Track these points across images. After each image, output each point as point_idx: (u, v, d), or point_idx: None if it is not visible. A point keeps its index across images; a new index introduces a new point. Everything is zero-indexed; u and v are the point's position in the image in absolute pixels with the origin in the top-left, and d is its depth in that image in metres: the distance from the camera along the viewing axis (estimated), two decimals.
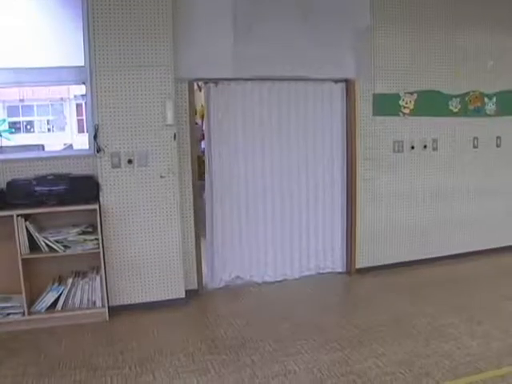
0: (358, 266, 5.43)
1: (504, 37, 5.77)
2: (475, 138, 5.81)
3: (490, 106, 5.87)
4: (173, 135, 4.45)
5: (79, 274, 4.40)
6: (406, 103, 5.45)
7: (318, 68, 4.98)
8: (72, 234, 4.22)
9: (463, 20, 5.55)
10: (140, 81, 4.32)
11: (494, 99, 5.87)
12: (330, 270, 5.45)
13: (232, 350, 3.75)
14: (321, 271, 5.42)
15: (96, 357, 3.67)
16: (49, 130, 21.59)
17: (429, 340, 3.84)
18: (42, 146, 8.25)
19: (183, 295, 4.64)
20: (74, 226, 4.29)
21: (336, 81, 5.20)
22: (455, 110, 5.68)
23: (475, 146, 5.83)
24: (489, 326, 4.06)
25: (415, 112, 5.49)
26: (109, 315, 4.33)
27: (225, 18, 4.65)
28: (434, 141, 5.60)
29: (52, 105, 21.37)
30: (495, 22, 5.70)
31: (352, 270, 5.41)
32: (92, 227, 4.32)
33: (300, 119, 5.15)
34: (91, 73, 4.26)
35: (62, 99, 20.78)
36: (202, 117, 6.77)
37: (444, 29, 5.48)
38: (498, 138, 5.94)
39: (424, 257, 5.68)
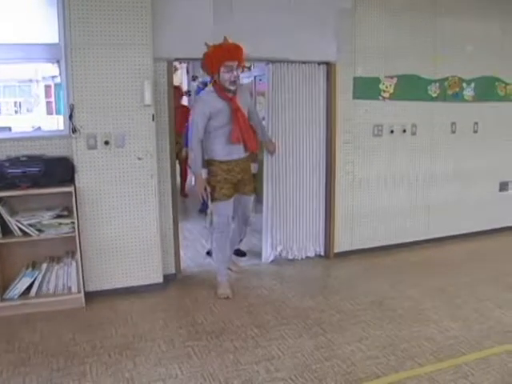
0: (337, 249, 5.41)
1: (484, 22, 5.77)
2: (453, 124, 5.83)
3: (468, 92, 5.88)
4: (151, 116, 4.32)
5: (54, 259, 4.25)
6: (386, 87, 5.41)
7: (300, 50, 4.88)
8: (46, 218, 4.06)
9: (444, 5, 5.52)
10: (118, 59, 4.15)
11: (472, 85, 5.88)
12: (310, 255, 5.40)
13: (213, 336, 3.68)
14: (301, 255, 5.36)
15: (74, 344, 3.56)
16: (16, 112, 20.97)
17: (411, 323, 3.85)
18: (9, 129, 7.97)
19: (161, 280, 4.55)
20: (49, 209, 4.13)
21: (319, 63, 5.12)
22: (434, 95, 5.67)
23: (453, 132, 5.85)
24: (469, 310, 4.10)
25: (395, 96, 5.45)
26: (85, 301, 4.20)
27: None
28: (413, 125, 5.58)
29: (19, 86, 20.77)
30: (476, 8, 5.68)
31: (331, 254, 5.39)
32: (67, 210, 4.17)
33: (284, 102, 5.04)
34: (66, 50, 4.06)
35: (30, 80, 20.20)
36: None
37: (424, 13, 5.44)
38: (476, 123, 5.97)
39: (403, 241, 5.71)
